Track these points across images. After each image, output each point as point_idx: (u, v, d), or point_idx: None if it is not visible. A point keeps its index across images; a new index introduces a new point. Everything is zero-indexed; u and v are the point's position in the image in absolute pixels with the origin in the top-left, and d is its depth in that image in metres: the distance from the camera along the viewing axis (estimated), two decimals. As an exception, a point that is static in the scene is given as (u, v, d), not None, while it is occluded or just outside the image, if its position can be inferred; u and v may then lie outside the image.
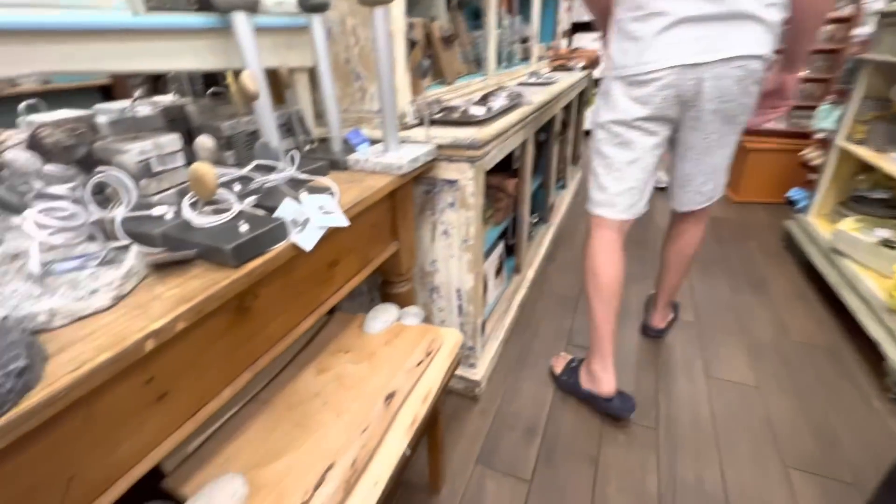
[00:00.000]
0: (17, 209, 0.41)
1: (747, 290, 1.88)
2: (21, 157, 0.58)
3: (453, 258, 1.18)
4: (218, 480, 0.59)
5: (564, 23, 3.29)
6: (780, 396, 1.34)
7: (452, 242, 1.16)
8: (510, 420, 1.28)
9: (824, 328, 1.64)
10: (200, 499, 0.57)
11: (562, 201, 2.58)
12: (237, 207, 0.64)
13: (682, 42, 0.98)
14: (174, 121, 1.01)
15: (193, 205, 0.63)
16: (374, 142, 1.05)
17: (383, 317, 0.95)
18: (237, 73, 0.76)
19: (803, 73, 2.82)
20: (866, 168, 1.86)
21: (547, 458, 1.17)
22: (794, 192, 2.66)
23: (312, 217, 0.64)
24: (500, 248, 1.62)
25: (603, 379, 1.25)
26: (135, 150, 0.73)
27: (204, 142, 0.74)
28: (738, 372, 1.43)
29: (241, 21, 0.76)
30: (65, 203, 0.46)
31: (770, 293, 1.86)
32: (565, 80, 2.07)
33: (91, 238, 0.56)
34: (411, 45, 1.10)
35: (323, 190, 0.71)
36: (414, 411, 0.75)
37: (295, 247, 0.64)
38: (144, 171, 0.75)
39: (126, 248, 0.56)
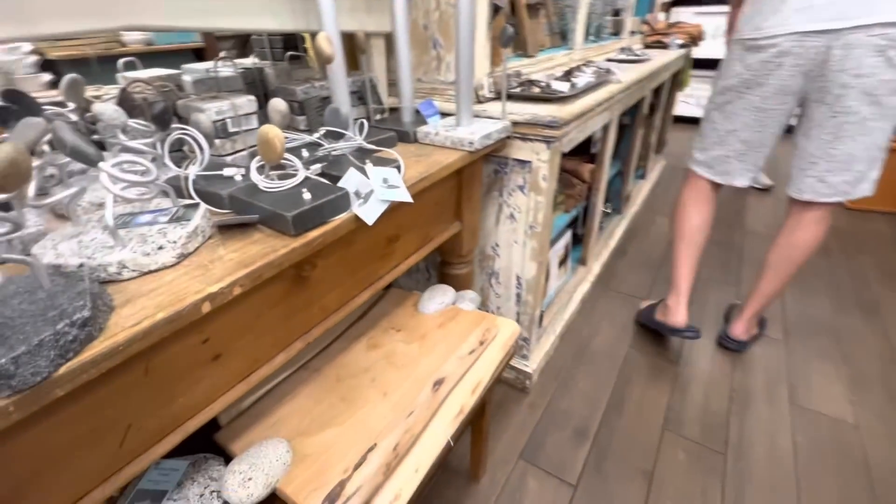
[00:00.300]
0: (93, 160, 0.42)
1: (854, 312, 1.63)
2: (108, 110, 0.60)
3: (517, 244, 1.11)
4: (265, 443, 0.60)
5: (664, -6, 2.98)
6: (885, 440, 1.15)
7: (518, 227, 1.09)
8: (559, 418, 1.22)
9: (951, 368, 1.38)
10: (248, 458, 0.58)
11: (639, 192, 2.39)
12: (303, 174, 0.63)
13: (813, 7, 0.91)
14: (253, 83, 1.02)
15: (260, 168, 0.62)
16: (446, 115, 1.00)
17: (439, 298, 0.92)
18: (314, 37, 0.74)
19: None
20: None
21: (596, 464, 1.10)
22: (929, 203, 2.25)
23: (376, 190, 0.61)
24: (568, 237, 1.52)
25: (676, 311, 1.36)
26: (212, 110, 0.74)
27: (277, 105, 0.73)
28: (834, 404, 1.25)
29: (322, -20, 0.73)
30: (139, 158, 0.46)
31: (883, 317, 1.60)
32: (659, 59, 1.87)
33: (165, 194, 0.57)
34: (495, 10, 1.02)
35: (389, 162, 0.68)
36: (462, 401, 0.72)
37: (356, 219, 0.62)
38: (221, 131, 0.76)
39: (195, 206, 0.57)
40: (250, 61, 1.12)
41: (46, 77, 1.88)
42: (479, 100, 1.03)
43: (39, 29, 0.53)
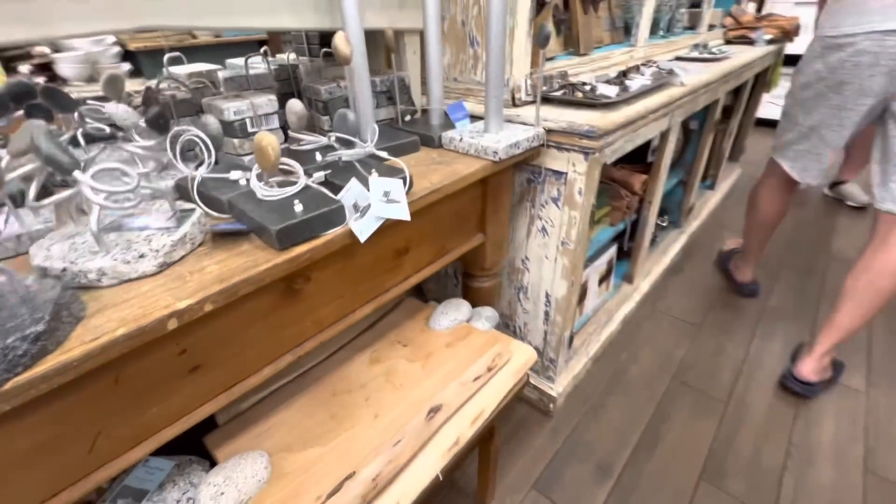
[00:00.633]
0: (67, 169, 0.41)
1: (962, 366, 1.37)
2: (119, 111, 0.60)
3: (548, 260, 1.03)
4: (246, 456, 0.59)
5: (757, -18, 2.65)
6: None
7: (550, 242, 1.01)
8: (582, 450, 1.13)
9: None
10: (224, 471, 0.57)
11: (705, 204, 2.17)
12: (303, 182, 0.60)
13: (894, 5, 0.90)
14: (286, 80, 1.02)
15: (260, 175, 0.60)
16: (480, 118, 0.93)
17: (453, 314, 0.87)
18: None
19: None
20: None
21: (617, 507, 1.00)
22: None
23: (373, 204, 0.57)
24: (612, 252, 1.40)
25: (742, 270, 1.64)
26: (230, 110, 0.73)
27: (293, 106, 0.71)
28: (921, 478, 1.05)
29: (345, -25, 0.70)
30: (121, 165, 0.46)
31: None
32: (740, 57, 1.66)
33: (166, 197, 0.56)
34: (540, 5, 0.93)
35: (396, 173, 0.64)
36: (458, 432, 0.67)
37: (352, 233, 0.58)
38: (239, 131, 0.76)
39: (191, 212, 0.56)
40: (292, 57, 1.12)
41: (126, 66, 2.02)
42: (516, 103, 0.95)
43: (54, 31, 0.54)
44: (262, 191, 0.58)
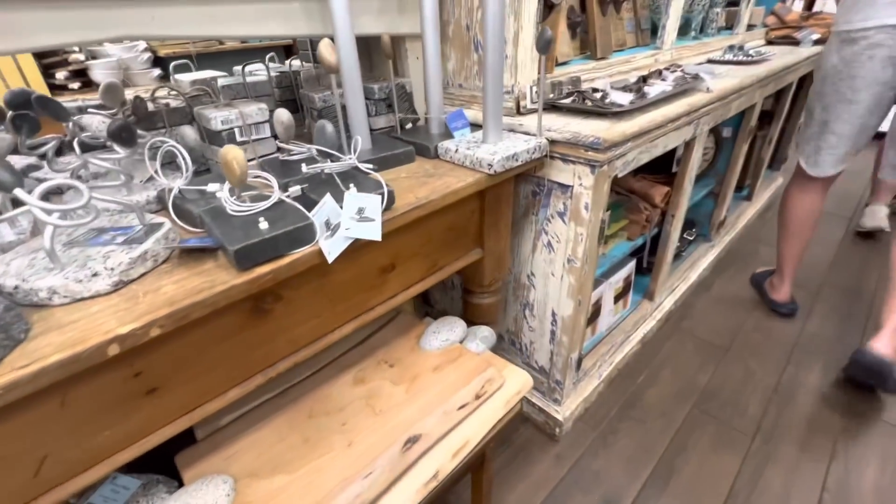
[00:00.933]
0: (7, 187, 0.40)
1: None
2: (95, 122, 0.60)
3: (554, 277, 0.97)
4: (208, 481, 0.56)
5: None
6: None
7: (556, 259, 0.95)
8: (588, 480, 1.06)
9: None
10: (185, 496, 0.55)
11: (740, 216, 2.02)
12: (276, 196, 0.57)
13: None
14: (288, 87, 1.01)
15: (232, 189, 0.58)
16: (480, 127, 0.89)
17: (445, 334, 0.82)
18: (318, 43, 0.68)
19: None
20: None
21: (621, 547, 0.93)
22: None
23: (343, 222, 0.54)
24: (630, 267, 1.32)
25: (779, 290, 1.54)
26: (218, 119, 0.72)
27: (280, 116, 0.69)
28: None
29: (335, -20, 0.67)
30: (71, 180, 0.44)
31: None
32: (781, 59, 1.53)
33: (135, 211, 0.55)
34: (548, 7, 0.88)
35: (376, 187, 0.60)
36: (438, 465, 0.63)
37: (322, 253, 0.55)
38: (228, 140, 0.74)
39: (159, 226, 0.54)
40: (297, 64, 1.11)
41: (156, 72, 2.08)
42: (521, 111, 0.90)
43: (33, 42, 0.54)
44: (233, 205, 0.56)
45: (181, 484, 0.61)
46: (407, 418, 0.66)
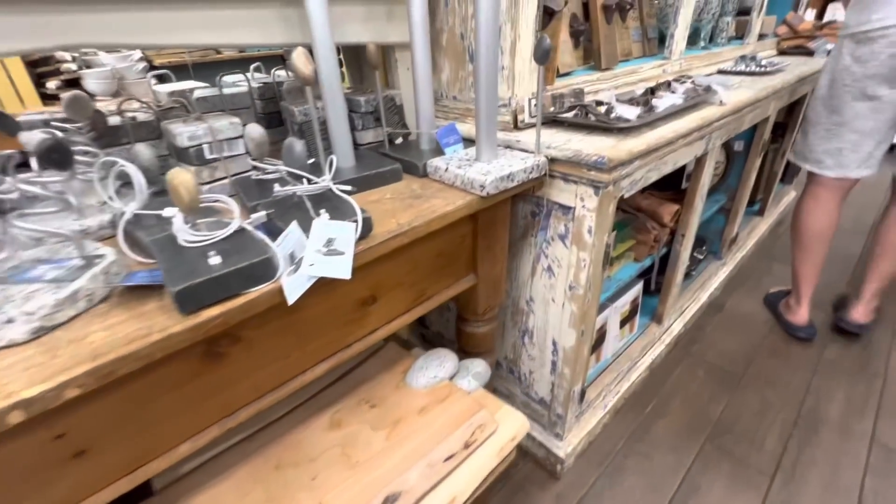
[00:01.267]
0: None
1: None
2: (35, 139, 0.53)
3: (554, 303, 0.90)
4: (152, 551, 0.49)
5: (817, -13, 2.40)
6: None
7: (557, 284, 0.87)
8: (592, 524, 0.97)
9: None
10: (123, 571, 0.47)
11: (752, 231, 1.94)
12: (236, 223, 0.51)
13: None
14: (271, 99, 0.95)
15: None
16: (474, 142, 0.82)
17: (433, 370, 0.75)
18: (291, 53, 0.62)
19: None
20: None
21: None
22: None
23: (307, 256, 0.47)
24: (636, 289, 1.24)
25: (796, 312, 1.46)
26: (184, 135, 0.65)
27: (251, 132, 0.63)
28: None
29: (312, -16, 0.61)
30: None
31: None
32: (795, 69, 1.46)
33: (73, 241, 0.49)
34: (548, 14, 0.81)
35: (349, 214, 0.53)
36: (419, 529, 0.55)
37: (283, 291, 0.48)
38: (195, 158, 0.68)
39: (100, 259, 0.48)
40: (280, 74, 1.05)
41: (152, 82, 2.04)
42: (519, 125, 0.83)
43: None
44: (186, 234, 0.49)
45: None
46: (387, 472, 0.59)
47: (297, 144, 0.55)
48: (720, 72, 1.42)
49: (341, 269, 0.46)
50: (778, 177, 2.01)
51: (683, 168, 1.32)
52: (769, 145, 1.66)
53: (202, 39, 0.62)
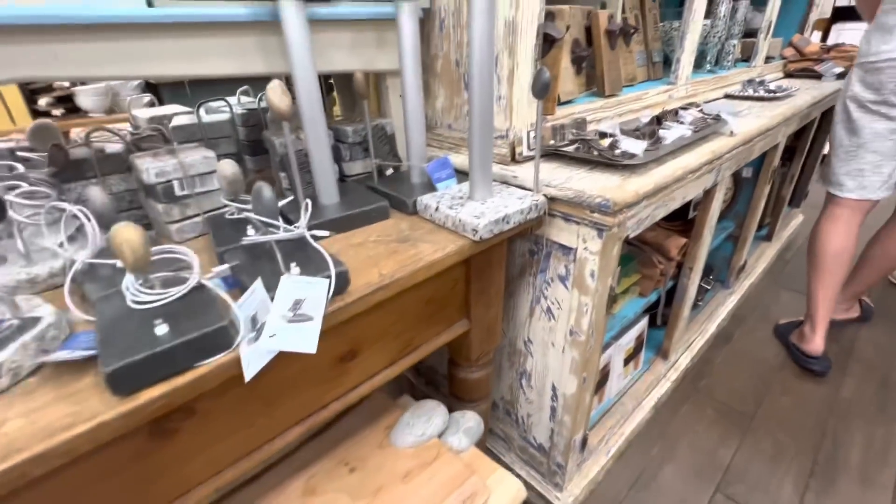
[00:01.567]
0: None
1: None
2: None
3: (554, 347, 0.83)
4: None
5: (822, 8, 2.37)
6: None
7: (557, 327, 0.81)
8: (595, 586, 0.89)
9: None
10: None
11: (760, 257, 1.88)
12: (193, 280, 0.45)
13: None
14: (256, 126, 0.90)
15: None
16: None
17: (420, 426, 0.68)
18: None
19: None
20: None
21: None
22: None
23: (269, 324, 0.41)
24: (642, 324, 1.17)
25: (811, 340, 1.37)
26: (151, 171, 0.60)
27: (223, 169, 0.57)
28: None
29: (291, 12, 0.56)
30: None
31: None
32: (806, 94, 1.41)
33: (10, 297, 0.43)
34: (549, 42, 0.76)
35: (322, 269, 0.47)
36: None
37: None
38: (164, 195, 0.62)
39: (33, 323, 0.42)
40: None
41: (147, 98, 1.99)
42: (517, 158, 0.78)
43: None
44: (135, 294, 0.43)
45: None
46: (362, 555, 0.52)
47: (265, 190, 0.49)
48: (727, 96, 1.37)
49: (307, 340, 0.40)
50: (786, 200, 1.95)
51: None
52: (779, 171, 1.60)
53: (176, 70, 0.57)
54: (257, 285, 0.44)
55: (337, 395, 0.58)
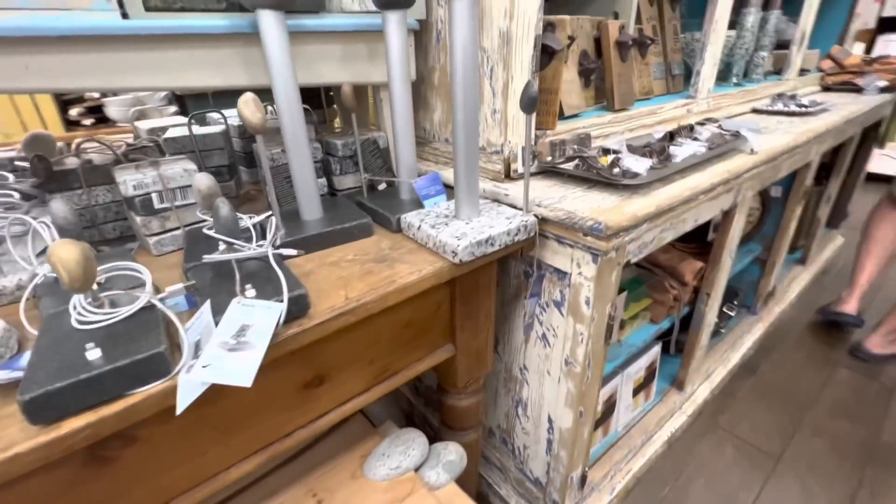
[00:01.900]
0: None
1: None
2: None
3: (549, 376, 0.78)
4: None
5: (865, 19, 2.23)
6: None
7: (552, 355, 0.76)
8: None
9: None
10: None
11: (793, 283, 1.75)
12: (143, 299, 0.43)
13: None
14: (251, 138, 0.89)
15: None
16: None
17: (396, 458, 0.64)
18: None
19: None
20: None
21: None
22: None
23: (209, 350, 0.38)
24: (654, 352, 1.10)
25: (846, 301, 1.52)
26: (129, 183, 0.60)
27: (198, 182, 0.56)
28: None
29: (270, 24, 0.54)
30: None
31: None
32: (843, 109, 1.31)
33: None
34: (548, 53, 0.73)
35: (279, 292, 0.44)
36: None
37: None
38: (142, 208, 0.62)
39: (-22, 339, 0.41)
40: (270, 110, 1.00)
41: (172, 108, 2.06)
42: (511, 175, 0.74)
43: None
44: (82, 313, 0.42)
45: None
46: None
47: (222, 208, 0.47)
48: (755, 111, 1.29)
49: (243, 373, 0.37)
50: (822, 222, 1.82)
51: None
52: (812, 189, 1.49)
53: (154, 82, 0.57)
54: (205, 308, 0.42)
55: (302, 423, 0.55)
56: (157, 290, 0.47)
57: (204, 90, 0.58)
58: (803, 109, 1.22)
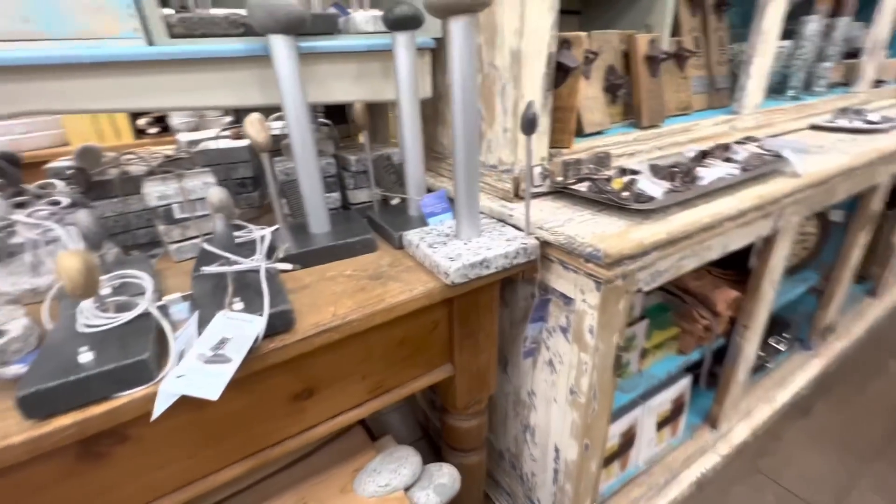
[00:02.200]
0: None
1: None
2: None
3: (556, 404, 0.75)
4: None
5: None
6: None
7: (558, 382, 0.73)
8: None
9: None
10: None
11: (859, 316, 1.57)
12: (141, 307, 0.46)
13: None
14: (277, 152, 0.94)
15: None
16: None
17: (386, 475, 0.64)
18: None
19: None
20: None
21: None
22: None
23: (185, 361, 0.40)
24: (684, 384, 1.02)
25: None
26: (153, 194, 0.64)
27: (212, 196, 0.59)
28: None
29: (280, 47, 0.57)
30: None
31: None
32: (921, 126, 1.17)
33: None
34: (563, 71, 0.71)
35: (258, 307, 0.46)
36: None
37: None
38: (165, 217, 0.66)
39: (4, 333, 0.45)
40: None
41: (227, 119, 2.21)
42: (520, 194, 0.72)
43: (-75, 118, 0.49)
44: (87, 317, 0.45)
45: None
46: None
47: (219, 223, 0.49)
48: (813, 127, 1.18)
49: (212, 387, 0.38)
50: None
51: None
52: (883, 214, 1.34)
53: (176, 103, 0.61)
54: (192, 319, 0.44)
55: (291, 433, 0.56)
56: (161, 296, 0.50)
57: (223, 108, 0.63)
58: (870, 126, 1.10)
